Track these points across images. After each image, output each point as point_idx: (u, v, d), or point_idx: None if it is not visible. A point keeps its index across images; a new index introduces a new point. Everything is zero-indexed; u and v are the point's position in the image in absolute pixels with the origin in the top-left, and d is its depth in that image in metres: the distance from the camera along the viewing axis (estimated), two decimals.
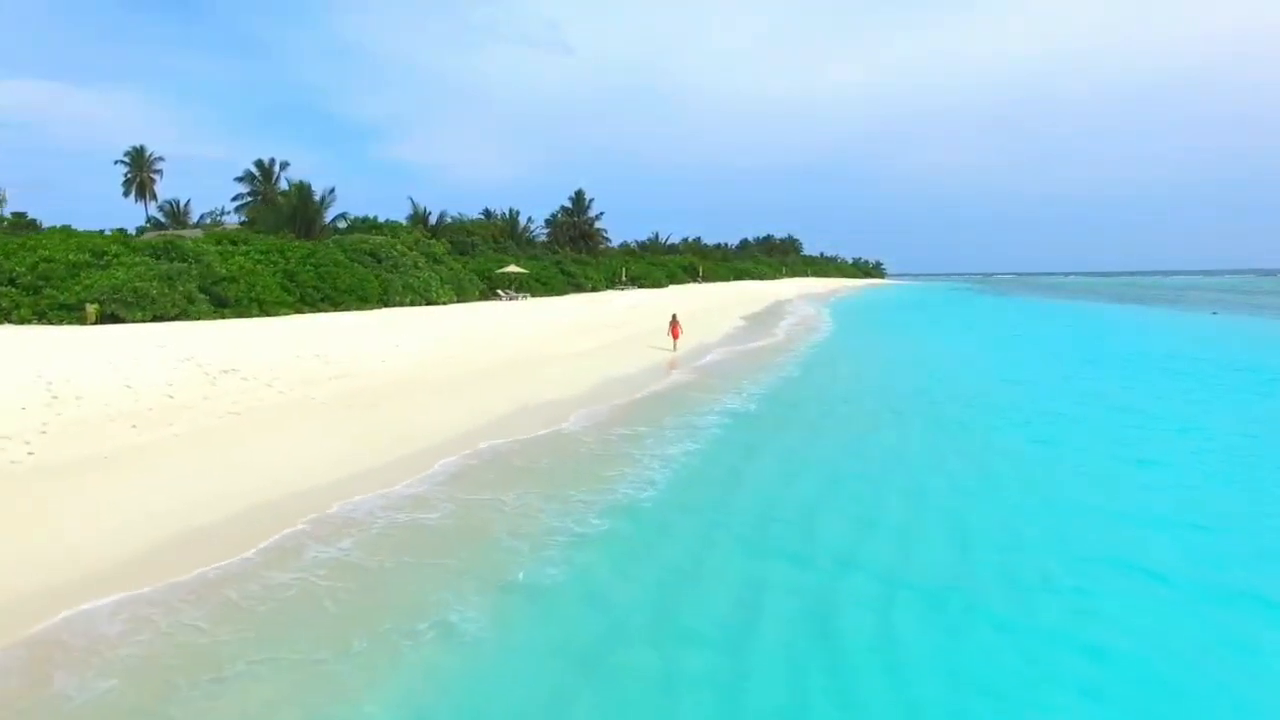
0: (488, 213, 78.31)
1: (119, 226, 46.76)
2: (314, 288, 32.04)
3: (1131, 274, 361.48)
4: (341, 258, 35.54)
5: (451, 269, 44.97)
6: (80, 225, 41.56)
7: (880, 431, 13.89)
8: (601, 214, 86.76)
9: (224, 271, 28.03)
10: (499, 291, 48.14)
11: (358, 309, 33.84)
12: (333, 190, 64.16)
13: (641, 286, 74.47)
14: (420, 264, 41.32)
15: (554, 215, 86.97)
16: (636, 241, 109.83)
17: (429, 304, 39.75)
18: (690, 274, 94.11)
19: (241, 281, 28.52)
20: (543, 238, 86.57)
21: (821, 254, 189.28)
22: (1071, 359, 25.24)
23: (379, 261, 39.36)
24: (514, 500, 9.57)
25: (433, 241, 46.22)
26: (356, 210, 64.77)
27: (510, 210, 72.97)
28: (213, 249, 29.53)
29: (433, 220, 55.80)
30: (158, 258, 26.91)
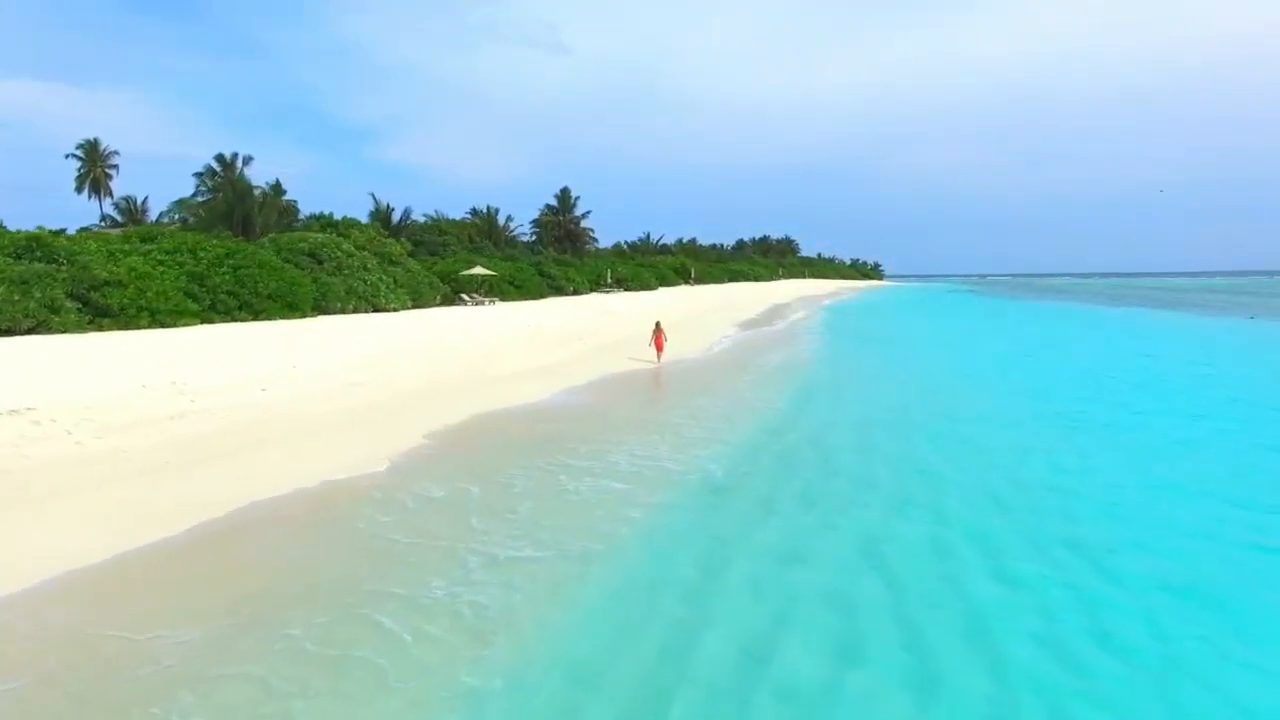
0: (474, 212, 73.60)
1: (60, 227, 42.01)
2: (229, 293, 27.24)
3: (1133, 275, 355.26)
4: (271, 259, 30.76)
5: (410, 271, 40.20)
6: (40, 225, 36.75)
7: (911, 512, 9.11)
8: (588, 213, 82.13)
9: (106, 275, 23.22)
10: (463, 296, 43.36)
11: (285, 318, 29.09)
12: (277, 182, 59.84)
13: (629, 289, 69.70)
14: (370, 266, 36.54)
15: (539, 215, 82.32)
16: (628, 242, 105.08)
17: (376, 310, 34.99)
18: (682, 276, 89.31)
19: (131, 287, 23.72)
20: (529, 238, 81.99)
21: (819, 255, 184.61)
22: (1124, 382, 20.42)
23: (319, 263, 34.59)
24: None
25: (390, 241, 41.43)
26: (324, 208, 60.13)
27: (488, 208, 68.23)
28: (95, 248, 24.74)
29: (396, 218, 50.88)
30: (18, 257, 22.15)
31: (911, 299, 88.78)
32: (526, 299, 50.56)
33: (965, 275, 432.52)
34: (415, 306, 38.76)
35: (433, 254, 56.18)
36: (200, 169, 59.17)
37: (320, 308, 32.54)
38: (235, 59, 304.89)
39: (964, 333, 38.94)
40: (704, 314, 46.15)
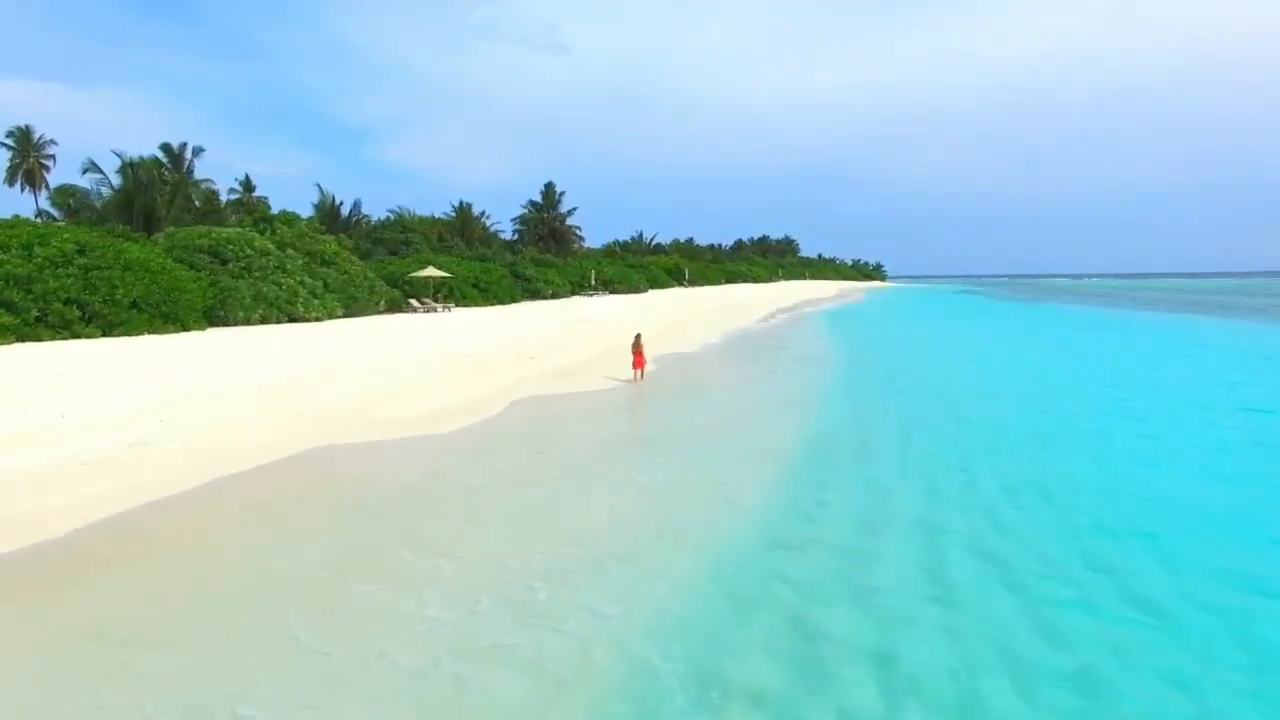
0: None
1: None
2: (70, 302, 20.85)
3: (1136, 276, 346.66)
4: (153, 258, 24.38)
5: (347, 273, 33.78)
6: None
7: None
8: (574, 209, 75.72)
9: None
10: (413, 301, 36.91)
11: (158, 332, 22.71)
12: (246, 178, 53.49)
13: (615, 292, 63.28)
14: (290, 266, 30.16)
15: (521, 211, 75.95)
16: (619, 242, 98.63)
17: (292, 320, 28.60)
18: (676, 277, 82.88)
19: None
20: (511, 236, 75.67)
21: (820, 256, 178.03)
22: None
23: (223, 263, 28.19)
24: None
25: (326, 238, 34.98)
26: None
27: (461, 203, 61.75)
28: None
29: (346, 211, 44.39)
30: None
31: (922, 302, 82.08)
32: (493, 304, 44.16)
33: (967, 276, 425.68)
34: (350, 314, 32.39)
35: (393, 253, 49.87)
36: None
37: (217, 318, 26.15)
38: (235, 60, 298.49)
39: (1016, 349, 32.18)
40: (688, 322, 39.68)
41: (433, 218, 60.75)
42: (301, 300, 28.84)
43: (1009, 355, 28.32)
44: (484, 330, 29.58)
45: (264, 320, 27.31)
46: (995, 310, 63.20)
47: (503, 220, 77.02)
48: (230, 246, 28.29)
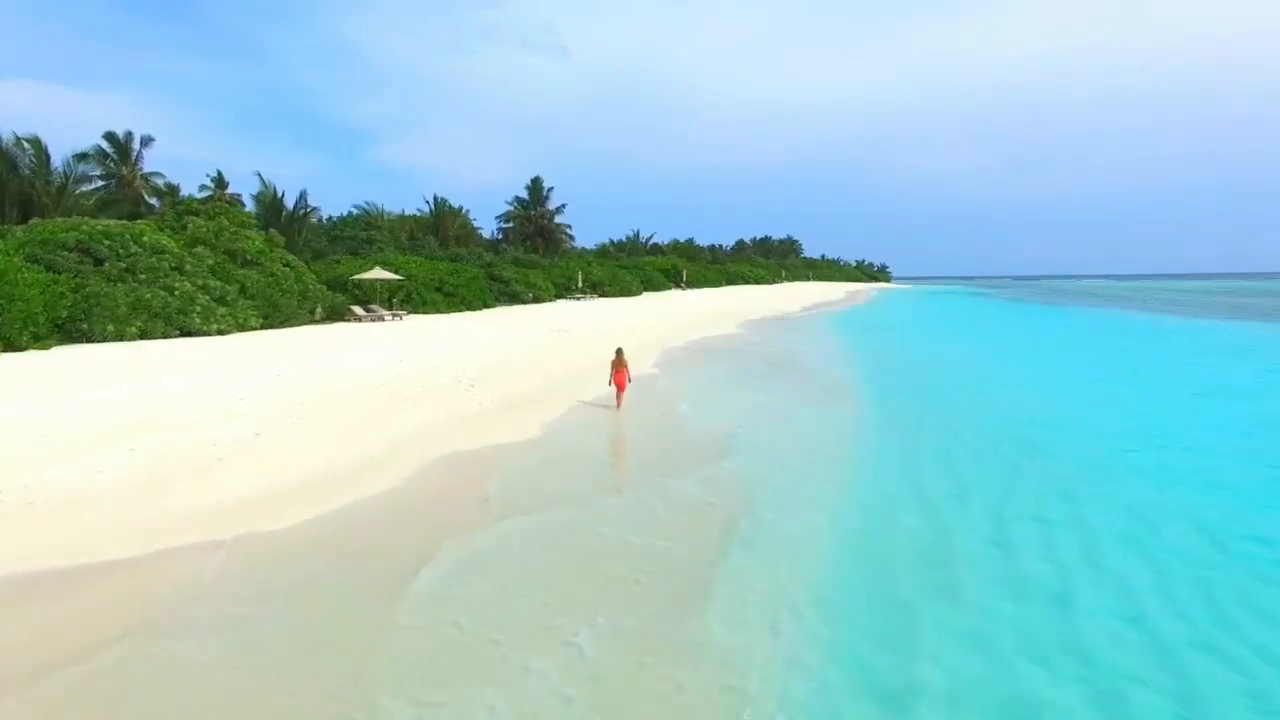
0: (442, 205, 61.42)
1: None
2: None
3: (1148, 277, 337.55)
4: None
5: (273, 276, 27.97)
6: None
7: None
8: (563, 206, 70.02)
9: None
10: (357, 309, 31.07)
11: None
12: (219, 175, 47.50)
13: (605, 295, 57.46)
14: (190, 268, 24.40)
15: (506, 209, 70.27)
16: (613, 241, 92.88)
17: (187, 334, 22.80)
18: (673, 279, 77.02)
19: None
20: (496, 236, 70.02)
21: (823, 256, 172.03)
22: None
23: (97, 263, 22.41)
24: None
25: (251, 233, 29.11)
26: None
27: (436, 198, 55.97)
28: None
29: (291, 204, 38.50)
30: None
31: (938, 306, 76.03)
32: (460, 310, 38.30)
33: (971, 278, 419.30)
34: (270, 325, 26.60)
35: (353, 253, 44.14)
36: (86, 149, 47.12)
37: (79, 333, 20.37)
38: (232, 60, 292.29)
39: (1076, 364, 25.89)
40: (679, 331, 33.79)
41: (403, 215, 54.99)
42: (199, 309, 22.97)
43: (1069, 371, 22.35)
44: (431, 344, 23.77)
45: (144, 334, 21.49)
46: (1025, 316, 57.15)
47: (492, 220, 71.38)
48: (107, 242, 22.49)
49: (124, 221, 25.30)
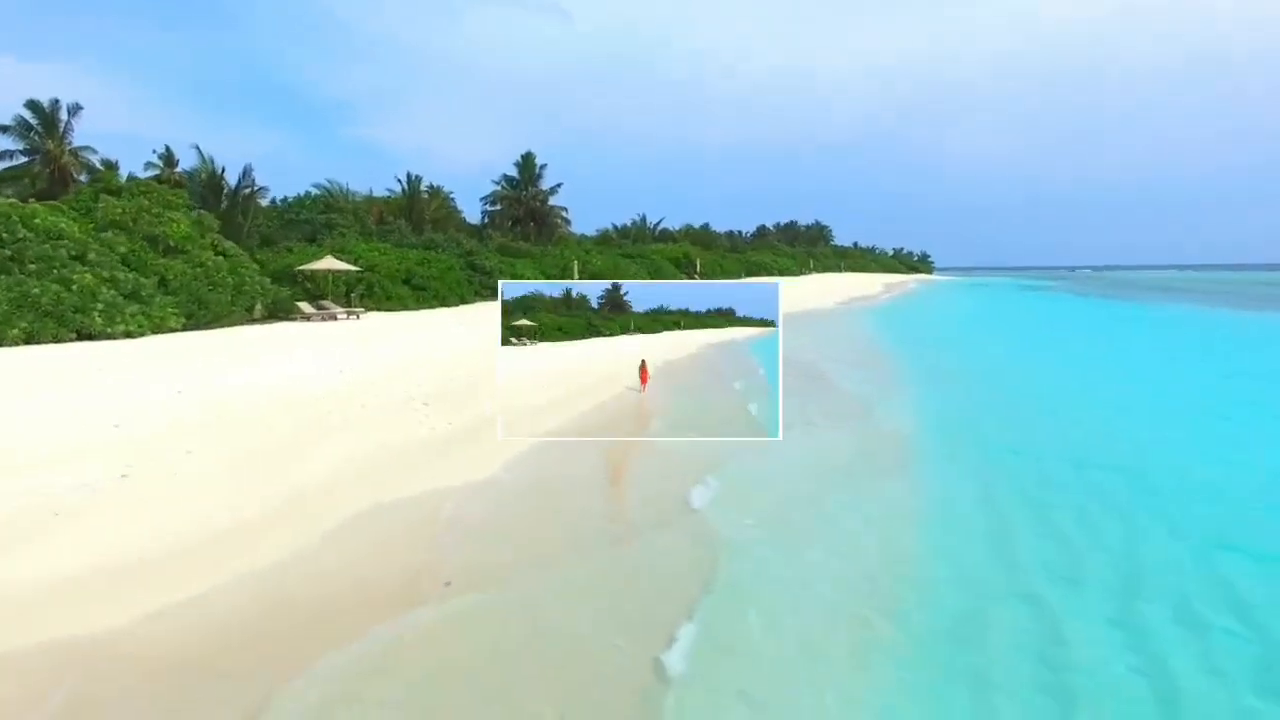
0: (432, 188, 59.64)
1: None
2: None
3: (1241, 268, 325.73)
4: None
5: (202, 267, 26.12)
6: None
7: None
8: (559, 186, 68.24)
9: None
10: (304, 306, 29.19)
11: None
12: (167, 150, 45.77)
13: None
14: (99, 257, 22.57)
15: (493, 190, 68.47)
16: (616, 226, 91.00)
17: (85, 337, 20.91)
18: (685, 269, 75.01)
19: None
20: (483, 220, 68.27)
21: (855, 244, 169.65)
22: None
23: None
24: None
25: (174, 215, 27.22)
26: (287, 191, 46.23)
27: (409, 175, 54.17)
28: None
29: (234, 180, 36.60)
30: None
31: (998, 303, 73.36)
32: (433, 306, 36.35)
33: (1024, 269, 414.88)
34: (198, 325, 24.74)
35: (311, 240, 42.40)
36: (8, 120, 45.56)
37: None
38: (194, 28, 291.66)
39: (1177, 388, 21.95)
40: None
41: (370, 195, 53.23)
42: (102, 307, 21.10)
43: (1184, 399, 19.96)
44: (384, 350, 21.85)
45: (30, 338, 19.60)
46: (1105, 318, 54.62)
47: (479, 204, 69.46)
48: None
49: (12, 200, 23.48)
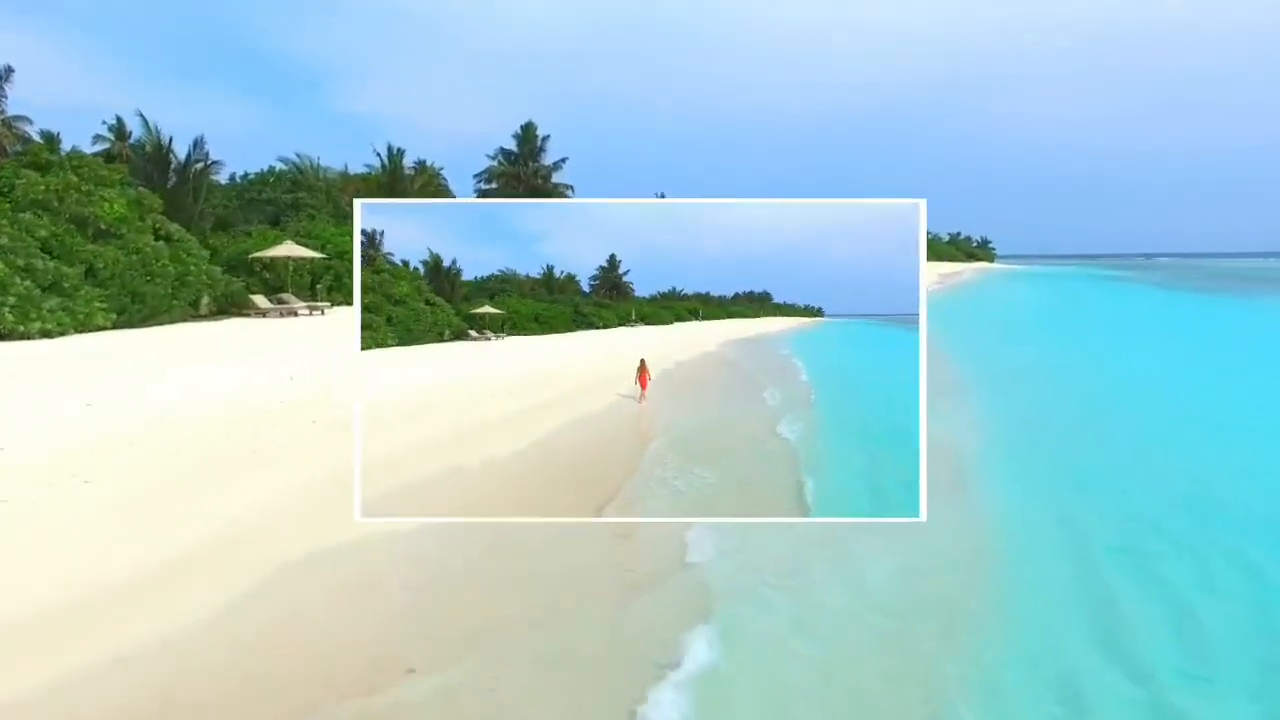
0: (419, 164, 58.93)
1: None
2: None
3: None
4: None
5: (135, 252, 25.20)
6: None
7: None
8: (563, 161, 67.29)
9: None
10: (259, 300, 28.23)
11: None
12: (119, 121, 45.00)
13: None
14: (12, 243, 21.67)
15: (490, 165, 67.65)
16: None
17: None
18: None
19: None
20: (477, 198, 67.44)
21: None
22: None
23: None
24: None
25: (106, 194, 26.29)
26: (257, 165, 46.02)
27: (390, 150, 53.29)
28: None
29: (182, 155, 35.61)
30: None
31: (1091, 305, 71.00)
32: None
33: (1098, 256, 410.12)
34: (132, 323, 23.82)
35: (273, 223, 41.67)
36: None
37: None
38: None
39: None
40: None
41: (346, 172, 52.44)
42: (12, 302, 20.12)
43: None
44: (350, 350, 20.86)
45: None
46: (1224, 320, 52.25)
47: (472, 182, 68.50)
48: None
49: None
